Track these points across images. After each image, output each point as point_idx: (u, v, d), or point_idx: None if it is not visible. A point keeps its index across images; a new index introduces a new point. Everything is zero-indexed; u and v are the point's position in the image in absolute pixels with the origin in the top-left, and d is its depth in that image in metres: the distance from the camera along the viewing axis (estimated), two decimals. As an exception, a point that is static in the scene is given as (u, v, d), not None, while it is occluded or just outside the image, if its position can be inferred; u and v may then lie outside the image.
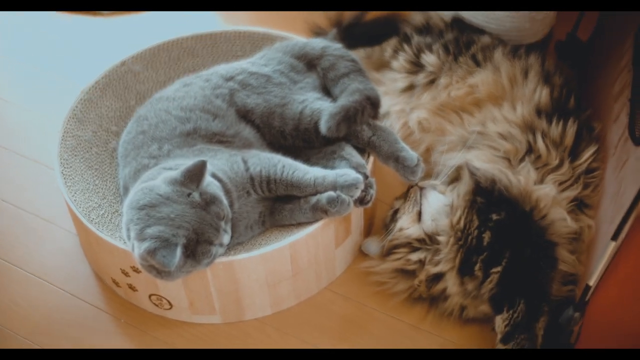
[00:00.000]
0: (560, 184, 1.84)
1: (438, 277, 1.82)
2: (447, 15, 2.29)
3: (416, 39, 2.20)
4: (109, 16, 2.70)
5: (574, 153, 1.88)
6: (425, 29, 2.26)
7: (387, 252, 1.91)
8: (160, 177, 1.66)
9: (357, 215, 1.91)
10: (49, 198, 2.14)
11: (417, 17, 2.32)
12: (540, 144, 1.87)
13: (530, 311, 1.69)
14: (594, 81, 2.07)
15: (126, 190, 1.80)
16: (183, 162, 1.70)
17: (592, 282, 1.53)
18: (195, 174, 1.62)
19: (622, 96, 1.82)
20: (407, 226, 1.88)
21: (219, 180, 1.71)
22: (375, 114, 1.90)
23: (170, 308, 1.84)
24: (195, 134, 1.84)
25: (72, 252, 2.03)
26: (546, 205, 1.79)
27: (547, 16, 2.25)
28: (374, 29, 2.32)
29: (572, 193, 1.83)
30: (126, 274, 1.81)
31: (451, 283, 1.80)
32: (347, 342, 1.83)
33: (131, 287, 1.85)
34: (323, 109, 1.86)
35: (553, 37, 2.38)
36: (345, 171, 1.78)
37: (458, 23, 2.26)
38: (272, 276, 1.80)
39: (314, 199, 1.76)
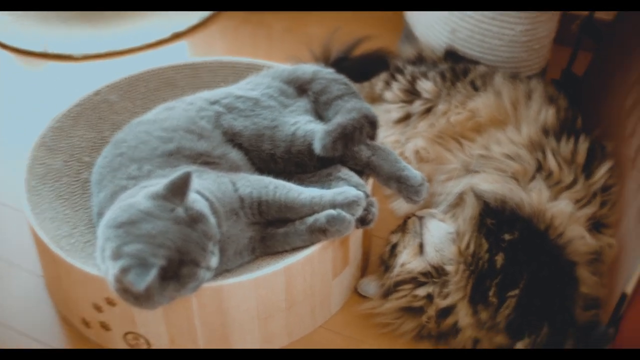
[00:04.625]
0: (576, 201, 1.71)
1: (448, 310, 1.65)
2: (440, 48, 2.22)
3: (410, 68, 2.12)
4: (81, 61, 2.60)
5: (588, 170, 1.77)
6: (418, 61, 2.18)
7: (389, 291, 1.73)
8: (141, 193, 1.49)
9: (356, 242, 1.75)
10: (12, 239, 1.96)
11: (408, 50, 2.25)
12: (551, 161, 1.76)
13: (554, 336, 1.53)
14: (600, 102, 1.98)
15: (101, 216, 1.59)
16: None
17: (629, 289, 1.37)
18: (179, 187, 1.45)
19: (635, 110, 1.72)
20: (409, 260, 1.71)
21: (206, 198, 1.54)
22: (373, 134, 1.77)
23: (147, 348, 1.64)
24: (178, 154, 1.69)
25: (36, 295, 1.83)
26: (562, 222, 1.65)
27: (544, 46, 2.19)
28: (363, 65, 2.24)
29: (589, 211, 1.70)
30: (99, 309, 1.61)
31: (463, 314, 1.63)
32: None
33: (104, 325, 1.65)
34: (317, 130, 1.72)
35: (547, 74, 2.30)
36: (344, 189, 1.63)
37: (452, 55, 2.19)
38: (264, 307, 1.62)
39: (311, 219, 1.60)
